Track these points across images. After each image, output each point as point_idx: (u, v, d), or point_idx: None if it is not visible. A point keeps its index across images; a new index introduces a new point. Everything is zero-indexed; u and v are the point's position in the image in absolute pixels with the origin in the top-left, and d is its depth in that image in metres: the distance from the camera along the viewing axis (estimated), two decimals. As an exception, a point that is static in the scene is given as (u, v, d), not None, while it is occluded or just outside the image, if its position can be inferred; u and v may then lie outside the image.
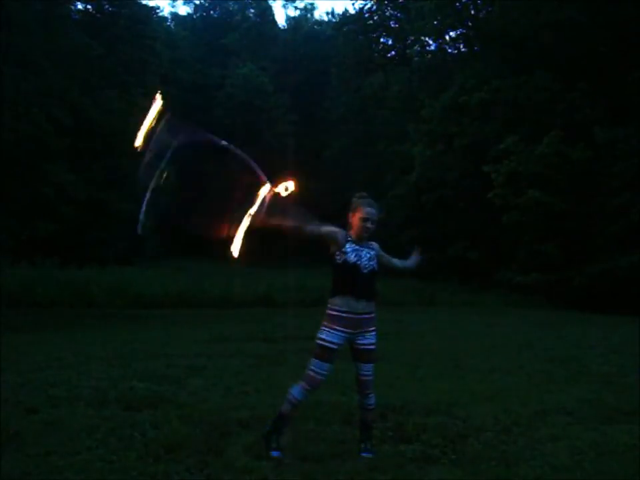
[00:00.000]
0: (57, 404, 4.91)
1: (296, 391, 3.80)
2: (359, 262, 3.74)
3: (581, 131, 19.19)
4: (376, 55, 34.44)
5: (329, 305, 3.80)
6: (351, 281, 3.73)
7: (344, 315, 3.72)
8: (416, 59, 29.87)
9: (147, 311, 15.17)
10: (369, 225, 3.77)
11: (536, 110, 21.05)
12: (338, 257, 3.77)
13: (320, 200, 37.64)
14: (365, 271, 3.75)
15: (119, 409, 4.78)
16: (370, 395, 3.88)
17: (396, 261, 4.11)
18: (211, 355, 7.74)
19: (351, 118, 34.51)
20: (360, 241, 3.80)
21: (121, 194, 24.63)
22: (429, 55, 29.80)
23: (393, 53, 34.67)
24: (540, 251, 19.65)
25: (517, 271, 20.15)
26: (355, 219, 3.80)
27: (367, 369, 3.83)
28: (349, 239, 3.79)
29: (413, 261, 4.22)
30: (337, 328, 3.72)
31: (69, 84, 17.27)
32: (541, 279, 19.14)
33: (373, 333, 3.84)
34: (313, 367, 3.75)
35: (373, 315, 3.83)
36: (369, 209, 3.77)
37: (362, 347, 3.80)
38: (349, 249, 3.75)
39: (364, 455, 3.80)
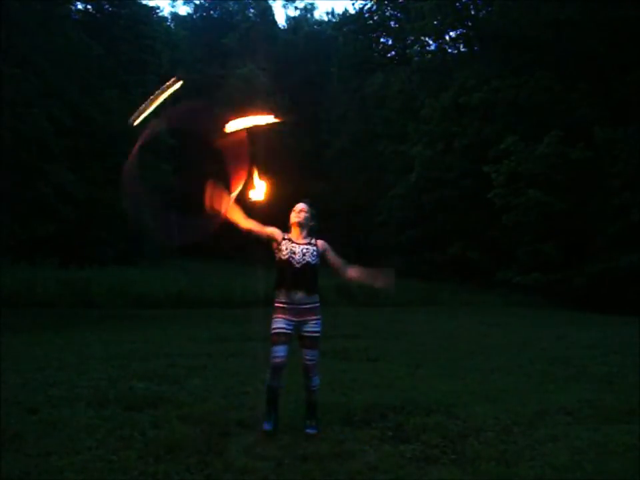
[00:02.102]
0: (57, 404, 4.91)
1: (267, 378, 4.27)
2: (291, 258, 4.20)
3: (581, 131, 19.17)
4: (376, 54, 34.43)
5: (275, 299, 4.28)
6: (284, 274, 4.21)
7: (285, 305, 4.22)
8: (416, 59, 29.83)
9: (147, 310, 15.16)
10: (296, 215, 4.29)
11: (536, 110, 21.05)
12: (276, 253, 4.29)
13: (320, 200, 37.87)
14: (298, 265, 4.19)
15: (119, 408, 4.78)
16: (313, 378, 4.30)
17: (341, 262, 4.35)
18: (211, 355, 7.74)
19: (351, 118, 34.48)
20: (298, 237, 4.30)
21: (121, 194, 24.66)
22: (429, 55, 29.76)
23: (393, 52, 34.66)
24: (540, 251, 19.65)
25: (517, 270, 20.14)
26: (290, 217, 4.34)
27: (311, 354, 4.25)
28: (285, 237, 4.29)
29: (365, 275, 4.35)
30: (281, 316, 4.21)
31: (69, 84, 17.27)
32: (541, 278, 19.13)
33: (317, 322, 4.26)
34: (271, 353, 4.18)
35: (314, 305, 4.26)
36: (299, 205, 4.36)
37: (306, 333, 4.23)
38: (283, 247, 4.25)
39: (308, 431, 4.22)
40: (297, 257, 4.20)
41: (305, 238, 4.30)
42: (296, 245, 4.25)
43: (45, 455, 3.68)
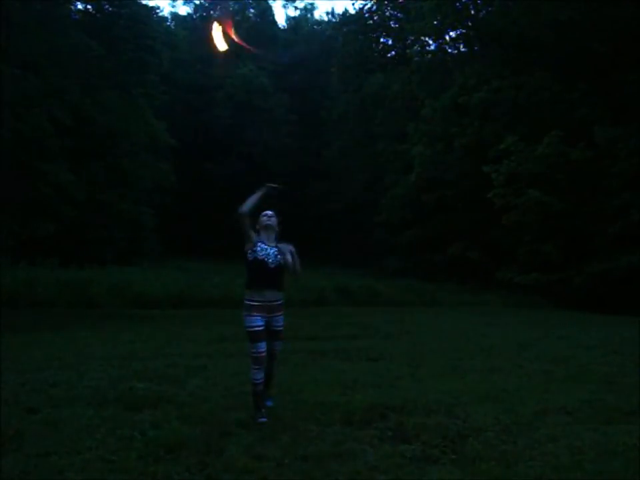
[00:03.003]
0: (57, 404, 4.91)
1: (251, 373, 4.73)
2: (266, 258, 4.68)
3: (581, 131, 19.16)
4: (376, 54, 34.41)
5: (245, 297, 4.73)
6: (259, 274, 4.68)
7: (258, 303, 4.67)
8: (416, 59, 29.81)
9: (147, 310, 15.14)
10: (267, 218, 4.81)
11: (536, 110, 21.04)
12: (249, 254, 4.73)
13: (320, 200, 37.89)
14: (272, 265, 4.69)
15: (119, 408, 4.78)
16: (274, 364, 4.95)
17: (296, 263, 4.84)
18: (210, 355, 7.74)
19: (351, 118, 34.50)
20: (269, 241, 4.78)
21: (121, 194, 24.70)
22: (429, 55, 29.74)
23: (393, 53, 34.64)
24: (540, 251, 19.64)
25: (517, 270, 20.13)
26: (261, 220, 4.84)
27: (277, 345, 4.89)
28: (259, 240, 4.76)
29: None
30: (255, 314, 4.66)
31: (69, 84, 17.28)
32: (541, 278, 19.12)
33: (281, 317, 4.84)
34: (251, 350, 4.70)
35: (281, 302, 4.81)
36: (267, 211, 4.88)
37: (275, 328, 4.79)
38: (258, 248, 4.71)
39: (268, 403, 4.82)
40: (270, 258, 4.70)
41: (272, 241, 4.81)
42: (269, 248, 4.74)
43: (44, 454, 3.68)
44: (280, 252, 4.75)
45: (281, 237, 5.05)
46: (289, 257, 4.75)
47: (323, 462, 3.65)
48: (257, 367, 4.69)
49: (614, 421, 4.67)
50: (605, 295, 17.73)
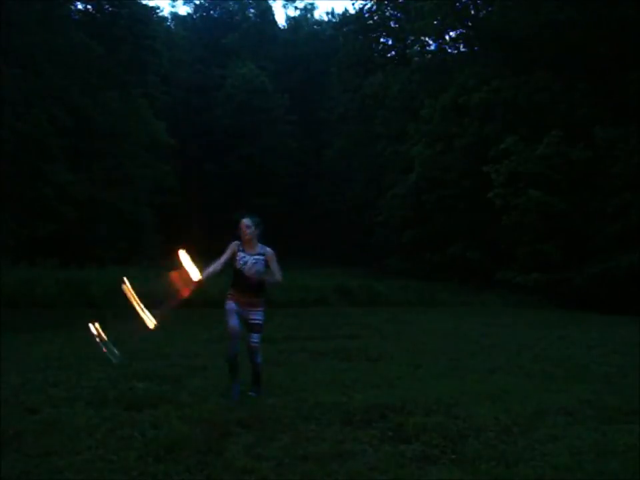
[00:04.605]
0: (57, 404, 4.91)
1: (226, 352, 5.36)
2: (243, 267, 5.20)
3: (581, 131, 19.18)
4: (376, 55, 34.42)
5: (229, 291, 5.34)
6: (237, 280, 5.27)
7: (235, 297, 5.26)
8: (416, 59, 29.82)
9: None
10: (244, 232, 5.22)
11: (536, 110, 21.05)
12: (232, 262, 5.26)
13: (320, 200, 37.91)
14: (247, 274, 5.20)
15: (119, 408, 4.78)
16: (257, 356, 5.35)
17: (275, 273, 5.29)
18: (210, 355, 7.74)
19: (351, 118, 34.50)
20: (250, 248, 5.25)
21: (121, 194, 24.70)
22: (429, 55, 29.76)
23: (393, 53, 34.65)
24: (540, 251, 19.64)
25: (517, 270, 20.13)
26: (240, 234, 5.25)
27: (255, 337, 5.30)
28: (240, 249, 5.25)
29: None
30: (231, 301, 5.27)
31: (69, 84, 17.28)
32: (541, 278, 19.12)
33: (260, 312, 5.30)
34: (227, 324, 5.22)
35: (257, 299, 5.30)
36: (244, 220, 5.27)
37: (251, 321, 5.27)
38: (238, 257, 5.22)
39: (250, 394, 5.26)
40: (247, 267, 5.18)
41: (254, 248, 5.24)
42: (248, 256, 5.21)
43: (44, 454, 3.68)
44: (261, 260, 5.23)
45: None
46: (274, 272, 5.27)
47: (323, 462, 3.65)
48: (231, 340, 5.20)
49: (614, 421, 4.67)
50: (605, 295, 17.74)
